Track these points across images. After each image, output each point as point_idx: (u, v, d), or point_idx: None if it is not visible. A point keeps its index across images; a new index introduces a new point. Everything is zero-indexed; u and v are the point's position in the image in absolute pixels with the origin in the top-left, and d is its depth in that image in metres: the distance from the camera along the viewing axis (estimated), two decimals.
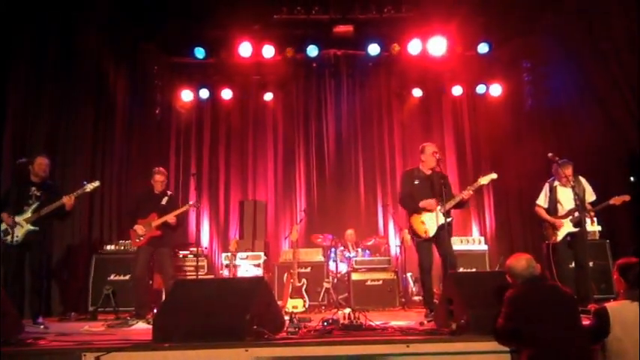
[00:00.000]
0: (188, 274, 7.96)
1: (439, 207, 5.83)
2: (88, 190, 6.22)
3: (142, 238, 6.47)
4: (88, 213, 7.97)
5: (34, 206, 5.91)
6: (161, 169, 6.90)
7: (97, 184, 6.32)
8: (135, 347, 4.09)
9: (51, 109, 7.52)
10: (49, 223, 6.13)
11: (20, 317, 5.19)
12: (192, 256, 8.10)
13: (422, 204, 5.91)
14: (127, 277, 7.45)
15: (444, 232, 5.75)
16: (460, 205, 6.03)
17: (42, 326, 5.62)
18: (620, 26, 7.35)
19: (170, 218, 6.51)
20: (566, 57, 8.53)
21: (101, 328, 5.55)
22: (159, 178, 6.74)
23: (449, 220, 5.80)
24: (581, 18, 7.98)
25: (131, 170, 9.04)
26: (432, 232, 5.89)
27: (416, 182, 6.11)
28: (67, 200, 5.97)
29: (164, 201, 6.69)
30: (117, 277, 7.52)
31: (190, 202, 6.94)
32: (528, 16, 8.75)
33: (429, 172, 6.10)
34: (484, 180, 5.94)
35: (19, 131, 7.14)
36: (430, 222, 5.90)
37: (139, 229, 6.47)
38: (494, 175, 5.98)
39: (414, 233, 6.10)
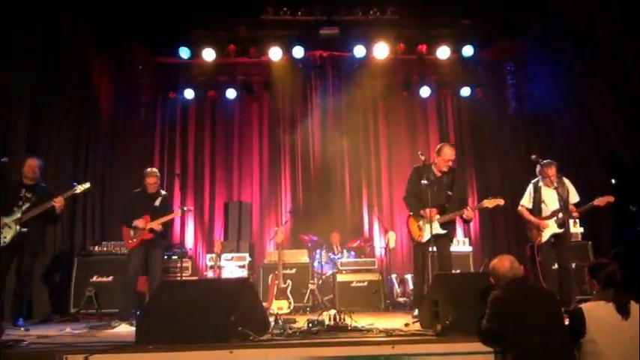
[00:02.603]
0: (172, 275, 7.89)
1: (437, 217, 5.82)
2: (78, 191, 6.19)
3: (134, 240, 6.41)
4: (71, 214, 7.87)
5: (24, 208, 5.82)
6: (154, 169, 6.83)
7: (87, 185, 6.28)
8: (118, 349, 4.05)
9: (33, 108, 7.40)
10: (40, 225, 6.06)
11: (1, 319, 5.11)
12: (176, 257, 8.04)
13: (423, 213, 5.84)
14: (110, 278, 7.38)
15: (442, 239, 5.78)
16: (464, 221, 6.03)
17: (23, 328, 5.54)
18: (604, 30, 7.44)
19: (155, 225, 6.45)
20: (550, 60, 8.62)
21: (83, 330, 5.49)
22: (151, 181, 6.68)
23: (444, 232, 5.82)
24: (564, 22, 8.07)
25: (115, 170, 8.96)
26: (425, 238, 5.85)
27: (424, 182, 5.81)
28: (58, 202, 5.90)
29: (157, 202, 6.64)
30: (99, 279, 7.43)
31: (184, 208, 7.03)
32: (513, 20, 8.83)
33: (439, 174, 5.99)
34: (489, 203, 5.91)
35: (1, 131, 7.02)
36: (426, 229, 5.83)
37: (140, 223, 6.41)
38: (500, 202, 5.95)
39: (409, 234, 6.15)
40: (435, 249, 5.78)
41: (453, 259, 7.46)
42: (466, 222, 6.14)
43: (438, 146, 6.13)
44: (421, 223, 5.93)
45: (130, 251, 6.53)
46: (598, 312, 3.53)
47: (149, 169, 6.83)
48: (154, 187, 6.72)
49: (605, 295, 3.59)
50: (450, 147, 6.05)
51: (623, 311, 3.48)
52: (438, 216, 5.84)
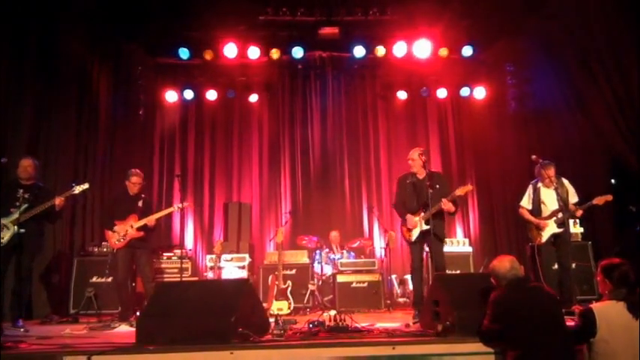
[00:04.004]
0: (172, 276, 7.89)
1: (422, 214, 5.97)
2: (76, 192, 6.16)
3: (122, 240, 6.39)
4: (71, 215, 7.86)
5: (21, 208, 5.80)
6: (138, 170, 6.78)
7: (85, 186, 6.25)
8: (118, 350, 4.04)
9: (32, 109, 7.40)
10: (38, 226, 6.04)
11: (0, 320, 5.11)
12: (176, 258, 8.03)
13: (407, 218, 6.12)
14: (110, 279, 7.37)
15: (430, 236, 5.83)
16: (448, 213, 6.11)
17: (22, 329, 5.51)
18: (601, 30, 7.45)
19: (150, 221, 6.46)
20: (549, 60, 8.63)
21: (83, 331, 5.48)
22: (136, 180, 6.64)
23: (426, 228, 5.88)
24: (563, 22, 8.08)
25: (114, 171, 8.92)
26: (414, 237, 6.07)
27: (408, 188, 6.22)
28: (59, 201, 5.89)
29: (140, 203, 6.62)
30: (99, 280, 7.43)
31: (178, 205, 6.94)
32: (512, 20, 8.83)
33: (421, 177, 6.15)
34: (460, 191, 6.00)
35: (0, 132, 7.01)
36: (414, 228, 6.07)
37: (120, 229, 6.40)
38: (469, 187, 6.12)
39: (403, 236, 6.33)
40: (427, 249, 6.03)
41: (453, 260, 7.62)
42: (450, 214, 6.17)
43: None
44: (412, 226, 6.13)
45: (116, 252, 6.48)
46: (609, 311, 3.55)
47: (134, 170, 6.77)
48: (138, 188, 6.68)
49: (616, 294, 3.60)
50: (414, 149, 6.29)
51: (635, 311, 3.49)
52: (422, 214, 6.00)
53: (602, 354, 3.50)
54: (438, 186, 5.97)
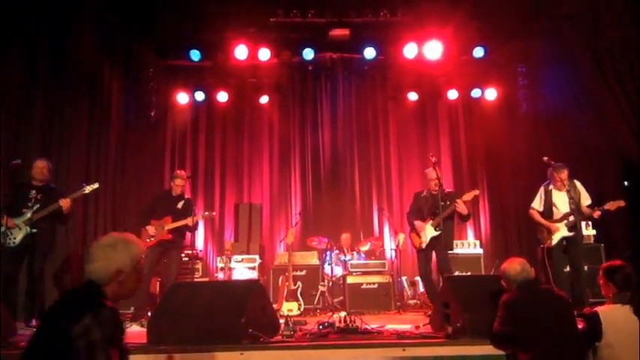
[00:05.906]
0: (183, 276, 7.91)
1: (430, 222, 6.44)
2: (86, 192, 6.20)
3: (152, 239, 6.47)
4: (82, 215, 7.91)
5: (33, 209, 5.86)
6: (182, 172, 6.99)
7: (95, 186, 6.28)
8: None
9: (44, 110, 7.45)
10: (50, 226, 6.08)
11: (13, 320, 5.16)
12: (187, 258, 8.06)
13: (416, 224, 6.68)
14: None
15: (439, 243, 6.31)
16: (461, 217, 6.57)
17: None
18: (614, 30, 7.39)
19: (188, 221, 6.52)
20: (561, 61, 8.56)
21: None
22: (179, 183, 6.82)
23: (436, 234, 6.42)
24: (575, 22, 8.02)
25: (126, 172, 9.00)
26: (424, 244, 6.53)
27: (422, 200, 6.82)
28: (65, 203, 5.93)
29: (180, 205, 6.72)
30: None
31: (206, 213, 7.22)
32: (523, 20, 8.78)
33: (434, 192, 6.55)
34: (467, 196, 6.40)
35: (13, 133, 7.08)
36: (423, 236, 6.56)
37: (151, 229, 6.49)
38: (476, 192, 6.57)
39: (412, 243, 6.78)
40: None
41: (464, 262, 7.87)
42: (463, 219, 6.61)
43: None
44: (421, 233, 6.57)
45: (148, 249, 6.50)
46: (615, 315, 3.51)
47: (179, 171, 7.00)
48: (180, 190, 6.84)
49: (621, 297, 3.56)
50: (429, 170, 6.73)
51: None
52: (431, 221, 6.45)
53: (608, 358, 3.46)
54: (448, 202, 6.41)
